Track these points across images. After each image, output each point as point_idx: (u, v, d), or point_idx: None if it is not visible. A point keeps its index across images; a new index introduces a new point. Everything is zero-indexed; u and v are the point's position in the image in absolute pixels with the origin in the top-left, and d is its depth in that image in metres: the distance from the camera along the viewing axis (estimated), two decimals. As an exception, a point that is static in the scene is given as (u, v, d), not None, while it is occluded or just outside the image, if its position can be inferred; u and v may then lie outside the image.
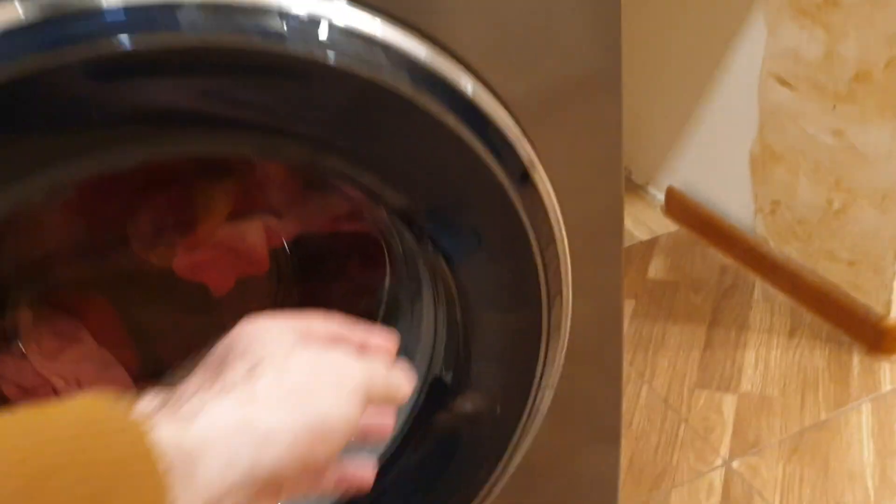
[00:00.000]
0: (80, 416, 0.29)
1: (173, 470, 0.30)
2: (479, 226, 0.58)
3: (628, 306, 1.55)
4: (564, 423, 0.81)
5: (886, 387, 1.32)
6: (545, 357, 0.68)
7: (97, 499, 0.27)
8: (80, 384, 0.72)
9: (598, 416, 0.85)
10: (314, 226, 0.70)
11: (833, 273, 1.40)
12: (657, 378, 1.39)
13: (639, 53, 1.68)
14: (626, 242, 1.71)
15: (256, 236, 0.68)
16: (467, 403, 0.64)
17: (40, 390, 0.68)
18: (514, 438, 0.70)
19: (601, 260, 0.72)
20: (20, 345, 0.68)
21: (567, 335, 0.70)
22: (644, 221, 1.76)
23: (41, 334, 0.68)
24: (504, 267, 0.61)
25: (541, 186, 0.61)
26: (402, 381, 0.42)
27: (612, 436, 0.88)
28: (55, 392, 0.69)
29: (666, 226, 1.74)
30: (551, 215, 0.63)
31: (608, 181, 0.68)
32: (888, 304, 1.32)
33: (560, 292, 0.67)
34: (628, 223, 1.77)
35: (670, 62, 1.63)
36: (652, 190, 1.81)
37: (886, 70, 1.15)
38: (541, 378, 0.69)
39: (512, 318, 0.65)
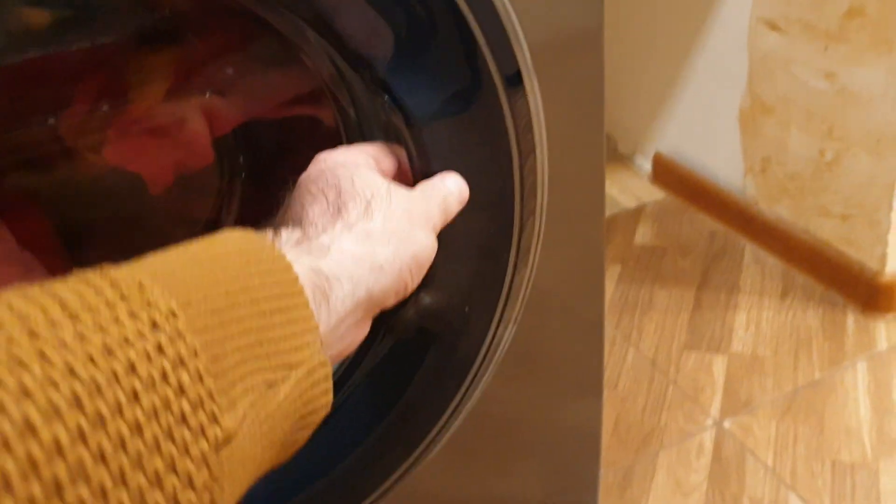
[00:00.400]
0: (240, 247, 0.32)
1: (314, 297, 0.34)
2: (454, 98, 0.52)
3: (614, 271, 1.49)
4: (544, 375, 0.77)
5: (882, 345, 1.26)
6: (512, 275, 0.62)
7: (265, 330, 0.30)
8: None
9: (579, 370, 0.81)
10: (261, 109, 0.64)
11: (825, 230, 1.35)
12: (644, 341, 1.33)
13: (618, 15, 1.63)
14: (612, 211, 1.66)
15: (197, 121, 0.62)
16: (427, 297, 0.57)
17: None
18: (484, 352, 0.64)
19: (582, 218, 0.70)
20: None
21: (535, 263, 0.65)
22: (630, 190, 1.71)
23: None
24: (476, 156, 0.55)
25: (530, 99, 0.56)
26: (462, 189, 0.48)
27: (593, 390, 0.83)
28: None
29: (653, 193, 1.69)
30: (535, 132, 0.58)
31: (590, 141, 0.67)
32: (883, 258, 1.26)
33: (533, 212, 0.62)
34: (614, 192, 1.71)
35: (653, 22, 1.58)
36: (638, 159, 1.76)
37: (879, 2, 1.10)
38: (507, 295, 0.63)
39: (480, 216, 0.59)
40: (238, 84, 0.63)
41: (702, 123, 1.56)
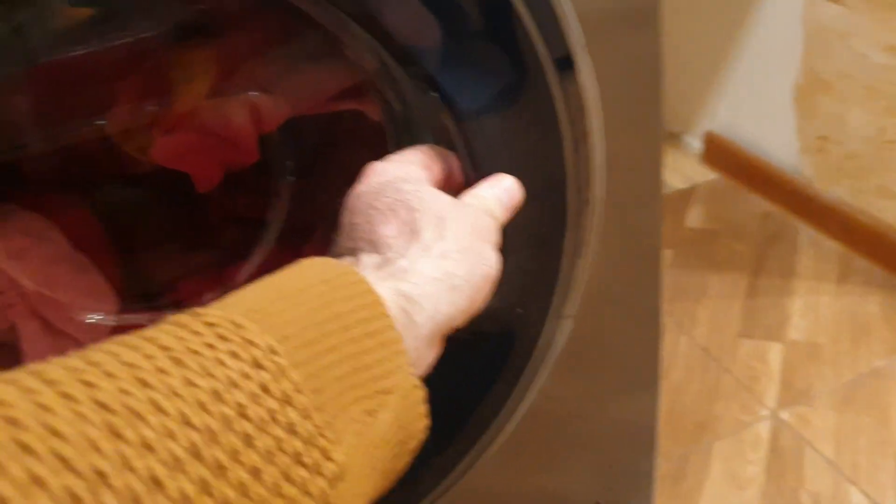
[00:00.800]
0: (323, 276, 0.33)
1: (398, 321, 0.34)
2: (504, 89, 0.50)
3: (665, 256, 1.45)
4: (599, 369, 0.75)
5: (949, 331, 1.21)
6: (569, 267, 0.60)
7: (358, 356, 0.30)
8: (51, 286, 0.65)
9: (635, 364, 0.79)
10: (305, 106, 0.62)
11: (886, 211, 1.30)
12: (697, 328, 1.29)
13: (672, -12, 1.58)
14: (663, 192, 1.61)
15: (242, 119, 0.60)
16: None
17: (8, 293, 0.61)
18: (540, 349, 0.63)
19: (638, 202, 0.68)
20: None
21: (591, 253, 0.63)
22: (681, 170, 1.66)
23: (6, 231, 0.61)
24: (528, 143, 0.53)
25: (583, 82, 0.53)
26: (514, 194, 0.47)
27: (650, 384, 0.81)
28: (24, 295, 0.62)
29: (704, 174, 1.64)
30: (589, 117, 0.55)
31: (646, 121, 0.64)
32: (950, 241, 1.21)
33: (588, 200, 0.60)
34: (665, 174, 1.67)
35: (706, -4, 1.53)
36: (688, 138, 1.71)
37: (949, -27, 1.04)
38: (564, 289, 0.61)
39: (533, 206, 0.57)
40: (282, 80, 0.62)
41: (755, 100, 1.51)
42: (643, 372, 0.80)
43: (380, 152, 0.65)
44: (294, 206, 0.75)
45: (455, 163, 0.49)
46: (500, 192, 0.46)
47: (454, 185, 0.49)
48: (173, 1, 0.67)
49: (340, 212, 0.44)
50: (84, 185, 0.71)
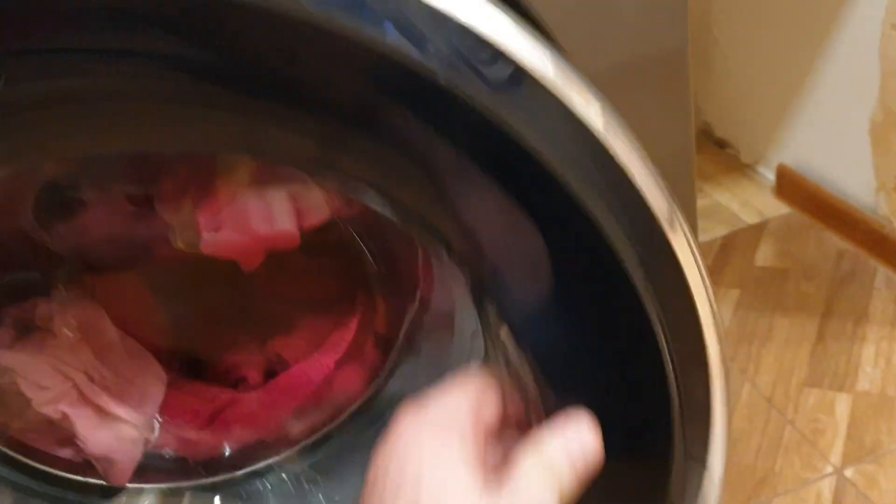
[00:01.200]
0: None
1: None
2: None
3: (732, 296, 1.42)
4: None
5: None
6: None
7: None
8: (103, 376, 0.69)
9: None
10: (344, 205, 0.64)
11: (969, 258, 1.24)
12: (761, 375, 1.26)
13: (740, 18, 1.54)
14: (732, 227, 1.58)
15: (284, 214, 0.63)
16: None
17: (61, 386, 0.65)
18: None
19: None
20: (38, 338, 0.65)
21: None
22: (752, 204, 1.62)
23: (59, 326, 0.65)
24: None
25: None
26: (589, 447, 0.37)
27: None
28: (76, 386, 0.66)
29: (777, 208, 1.59)
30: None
31: (680, 169, 0.63)
32: None
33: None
34: (735, 206, 1.63)
35: (777, 25, 1.48)
36: (761, 169, 1.66)
37: None
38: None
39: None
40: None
41: (829, 134, 1.45)
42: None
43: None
44: (333, 283, 0.77)
45: (510, 390, 0.41)
46: (573, 447, 0.36)
47: (512, 420, 0.41)
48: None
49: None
50: (136, 264, 0.75)
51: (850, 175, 1.43)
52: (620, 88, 0.54)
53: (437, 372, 0.67)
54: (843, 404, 1.19)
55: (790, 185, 1.57)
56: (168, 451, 0.73)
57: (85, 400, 0.64)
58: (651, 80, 0.59)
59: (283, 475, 0.75)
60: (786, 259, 1.47)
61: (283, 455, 0.74)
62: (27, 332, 0.65)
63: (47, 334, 0.65)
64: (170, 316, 0.75)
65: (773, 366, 1.27)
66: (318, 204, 0.67)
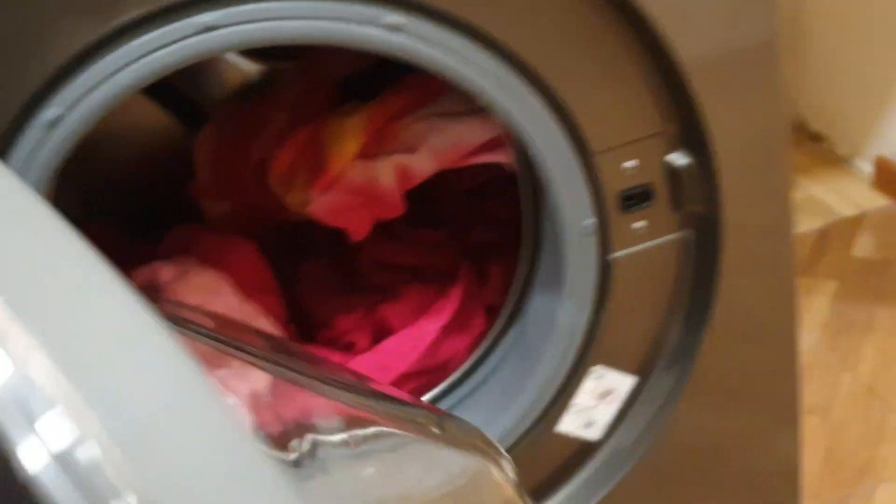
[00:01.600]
0: None
1: None
2: None
3: (829, 287, 1.40)
4: (735, 405, 0.76)
5: None
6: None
7: None
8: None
9: (772, 400, 0.77)
10: (449, 161, 0.67)
11: None
12: (862, 365, 1.23)
13: (836, 6, 1.52)
14: (828, 219, 1.55)
15: (389, 179, 0.66)
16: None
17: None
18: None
19: (769, 235, 0.69)
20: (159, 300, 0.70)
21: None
22: (849, 196, 1.59)
23: (180, 289, 0.70)
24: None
25: None
26: None
27: (789, 421, 0.79)
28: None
29: (875, 200, 1.56)
30: None
31: (774, 161, 0.65)
32: None
33: None
34: (830, 199, 1.60)
35: (871, 13, 1.46)
36: (858, 162, 1.63)
37: None
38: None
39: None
40: (425, 139, 0.66)
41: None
42: (782, 408, 0.78)
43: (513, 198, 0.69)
44: (437, 254, 0.80)
45: None
46: None
47: None
48: (338, 57, 0.74)
49: None
50: (253, 231, 0.79)
51: (953, 163, 1.39)
52: (714, 84, 0.58)
53: (541, 339, 0.68)
54: (948, 393, 1.15)
55: (889, 177, 1.53)
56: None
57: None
58: (742, 74, 0.61)
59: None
60: (885, 250, 1.44)
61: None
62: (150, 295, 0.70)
63: (169, 297, 0.70)
64: (284, 284, 0.80)
65: (874, 356, 1.24)
66: (420, 168, 0.70)
